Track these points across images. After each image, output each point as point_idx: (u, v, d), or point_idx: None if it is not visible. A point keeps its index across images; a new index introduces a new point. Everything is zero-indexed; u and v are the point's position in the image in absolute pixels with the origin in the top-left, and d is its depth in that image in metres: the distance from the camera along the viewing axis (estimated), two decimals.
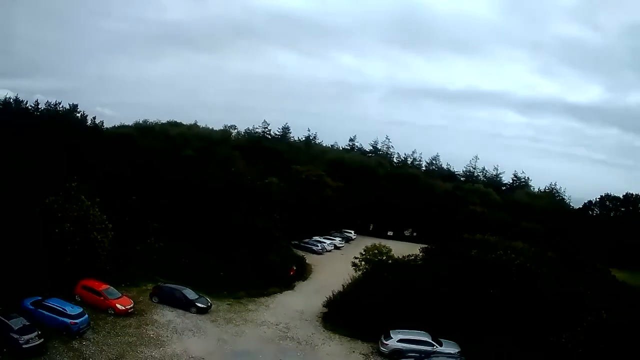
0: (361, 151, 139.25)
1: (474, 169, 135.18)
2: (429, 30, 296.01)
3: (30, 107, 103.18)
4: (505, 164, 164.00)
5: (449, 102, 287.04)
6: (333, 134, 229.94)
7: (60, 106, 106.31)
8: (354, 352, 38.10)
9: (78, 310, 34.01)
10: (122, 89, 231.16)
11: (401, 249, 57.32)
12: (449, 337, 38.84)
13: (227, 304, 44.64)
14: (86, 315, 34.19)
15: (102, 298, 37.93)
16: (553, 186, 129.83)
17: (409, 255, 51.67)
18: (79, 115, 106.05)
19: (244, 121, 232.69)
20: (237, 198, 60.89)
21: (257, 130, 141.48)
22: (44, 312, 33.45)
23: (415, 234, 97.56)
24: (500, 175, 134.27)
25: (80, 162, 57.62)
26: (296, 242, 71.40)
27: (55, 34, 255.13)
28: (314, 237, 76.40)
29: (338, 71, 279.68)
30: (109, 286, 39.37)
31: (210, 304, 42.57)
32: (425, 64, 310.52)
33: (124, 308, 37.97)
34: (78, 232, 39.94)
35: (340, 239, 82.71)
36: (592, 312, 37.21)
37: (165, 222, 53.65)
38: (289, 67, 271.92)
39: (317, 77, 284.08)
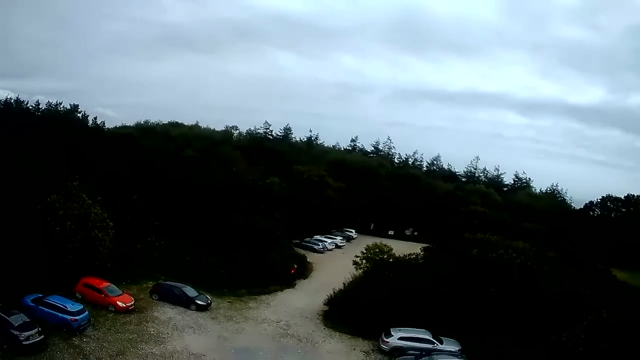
0: (362, 152, 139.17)
1: (475, 169, 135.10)
2: (429, 32, 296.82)
3: (31, 108, 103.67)
4: (506, 164, 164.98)
5: (449, 103, 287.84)
6: (334, 135, 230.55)
7: (61, 106, 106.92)
8: (354, 349, 38.08)
9: (78, 307, 34.10)
10: (124, 90, 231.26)
11: (402, 248, 57.27)
12: (450, 336, 38.80)
13: (228, 302, 44.68)
14: (86, 312, 34.27)
15: (102, 295, 37.97)
16: (554, 187, 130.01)
17: (410, 254, 51.56)
18: (79, 115, 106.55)
19: (246, 122, 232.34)
20: (238, 197, 61.08)
21: (258, 131, 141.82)
22: (44, 309, 33.47)
23: (416, 233, 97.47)
24: (502, 176, 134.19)
25: (81, 161, 57.82)
26: (297, 241, 71.45)
27: (56, 35, 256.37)
28: (315, 236, 76.41)
29: (339, 72, 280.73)
30: (109, 284, 39.42)
31: (210, 302, 42.62)
32: (426, 65, 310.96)
33: (124, 305, 38.03)
34: (79, 230, 40.18)
35: (341, 238, 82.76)
36: (592, 311, 37.24)
37: (167, 221, 53.72)
38: (289, 69, 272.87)
39: (318, 78, 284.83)
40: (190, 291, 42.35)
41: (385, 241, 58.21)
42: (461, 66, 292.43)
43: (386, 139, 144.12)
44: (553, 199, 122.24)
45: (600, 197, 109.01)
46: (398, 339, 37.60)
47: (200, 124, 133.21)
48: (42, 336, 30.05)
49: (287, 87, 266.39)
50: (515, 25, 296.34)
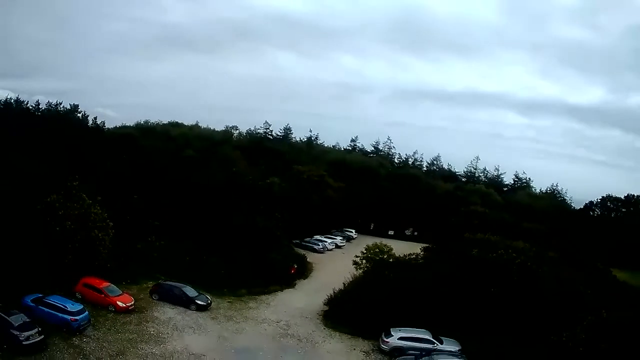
0: (362, 152, 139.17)
1: (475, 169, 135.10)
2: (429, 32, 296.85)
3: (31, 108, 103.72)
4: (506, 164, 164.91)
5: (449, 103, 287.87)
6: (334, 135, 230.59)
7: (61, 106, 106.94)
8: (354, 349, 38.08)
9: (78, 307, 34.09)
10: (124, 90, 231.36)
11: (402, 248, 57.27)
12: (450, 336, 38.80)
13: (228, 302, 44.68)
14: (86, 312, 34.26)
15: (102, 295, 37.96)
16: (554, 187, 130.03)
17: (410, 254, 51.55)
18: (79, 115, 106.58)
19: (246, 122, 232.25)
20: (238, 197, 61.06)
21: (258, 131, 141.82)
22: (44, 309, 33.46)
23: (416, 233, 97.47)
24: (502, 176, 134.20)
25: (81, 161, 57.82)
26: (297, 241, 71.46)
27: (56, 35, 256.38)
28: (315, 236, 76.41)
29: (339, 72, 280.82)
30: (109, 284, 39.41)
31: (210, 302, 42.61)
32: (426, 65, 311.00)
33: (124, 305, 38.02)
34: (79, 230, 40.18)
35: (341, 238, 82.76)
36: (592, 311, 37.21)
37: (167, 221, 53.72)
38: (289, 69, 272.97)
39: (318, 78, 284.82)
40: (190, 291, 42.35)
41: (385, 241, 58.23)
42: (461, 66, 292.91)
43: (386, 139, 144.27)
44: (553, 199, 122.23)
45: (600, 197, 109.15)
46: (398, 339, 37.58)
47: (200, 124, 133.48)
48: (42, 336, 30.05)
49: (287, 87, 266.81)
50: (515, 25, 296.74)
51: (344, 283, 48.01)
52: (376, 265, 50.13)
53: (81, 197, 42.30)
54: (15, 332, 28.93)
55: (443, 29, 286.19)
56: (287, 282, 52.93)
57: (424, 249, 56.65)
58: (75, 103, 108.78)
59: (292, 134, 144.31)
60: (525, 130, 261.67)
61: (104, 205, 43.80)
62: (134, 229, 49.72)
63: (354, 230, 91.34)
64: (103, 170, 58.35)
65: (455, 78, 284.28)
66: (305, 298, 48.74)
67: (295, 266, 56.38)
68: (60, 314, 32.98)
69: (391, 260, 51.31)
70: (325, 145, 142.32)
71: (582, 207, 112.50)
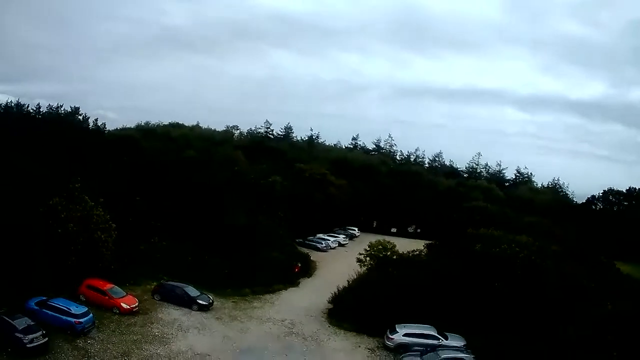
0: (364, 150, 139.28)
1: (477, 165, 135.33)
2: (429, 29, 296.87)
3: (31, 111, 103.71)
4: (508, 160, 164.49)
5: (450, 100, 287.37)
6: (336, 134, 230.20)
7: (62, 109, 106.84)
8: (359, 347, 38.02)
9: (83, 309, 33.99)
10: (124, 92, 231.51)
11: (405, 245, 57.12)
12: (455, 331, 38.78)
13: (232, 302, 44.63)
14: (91, 315, 34.17)
15: (106, 297, 37.92)
16: (556, 182, 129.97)
17: (413, 251, 51.55)
18: (80, 117, 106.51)
19: (247, 122, 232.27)
20: (240, 197, 60.92)
21: (259, 130, 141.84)
22: (48, 312, 33.40)
23: (419, 230, 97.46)
24: (503, 172, 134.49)
25: (83, 163, 57.71)
26: (300, 239, 71.47)
27: (56, 39, 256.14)
28: (318, 235, 76.42)
29: (339, 71, 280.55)
30: (113, 285, 39.40)
31: (212, 301, 42.55)
32: (426, 62, 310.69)
33: (128, 307, 37.98)
34: (81, 232, 40.08)
35: (344, 236, 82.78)
36: (596, 304, 37.09)
37: (169, 222, 53.62)
38: (290, 68, 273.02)
39: (318, 77, 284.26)
40: (192, 291, 42.31)
41: (388, 238, 58.07)
42: (462, 63, 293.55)
43: (387, 137, 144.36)
44: (555, 194, 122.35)
45: (602, 191, 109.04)
46: (403, 335, 37.51)
47: (201, 125, 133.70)
48: (46, 339, 30.03)
49: (288, 87, 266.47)
50: (516, 22, 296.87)
51: (348, 281, 47.89)
52: (380, 263, 50.03)
53: (83, 199, 42.28)
54: (20, 335, 28.93)
55: (443, 26, 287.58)
56: (291, 281, 52.88)
57: (427, 246, 56.52)
58: (76, 106, 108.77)
59: (293, 133, 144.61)
60: (527, 126, 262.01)
61: (106, 207, 43.75)
62: (137, 230, 49.58)
63: (356, 229, 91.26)
64: (105, 172, 58.25)
65: (456, 75, 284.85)
66: (310, 296, 48.69)
67: (299, 265, 56.36)
68: (64, 317, 32.90)
69: (395, 257, 51.14)
70: (327, 144, 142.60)
71: (584, 201, 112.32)
